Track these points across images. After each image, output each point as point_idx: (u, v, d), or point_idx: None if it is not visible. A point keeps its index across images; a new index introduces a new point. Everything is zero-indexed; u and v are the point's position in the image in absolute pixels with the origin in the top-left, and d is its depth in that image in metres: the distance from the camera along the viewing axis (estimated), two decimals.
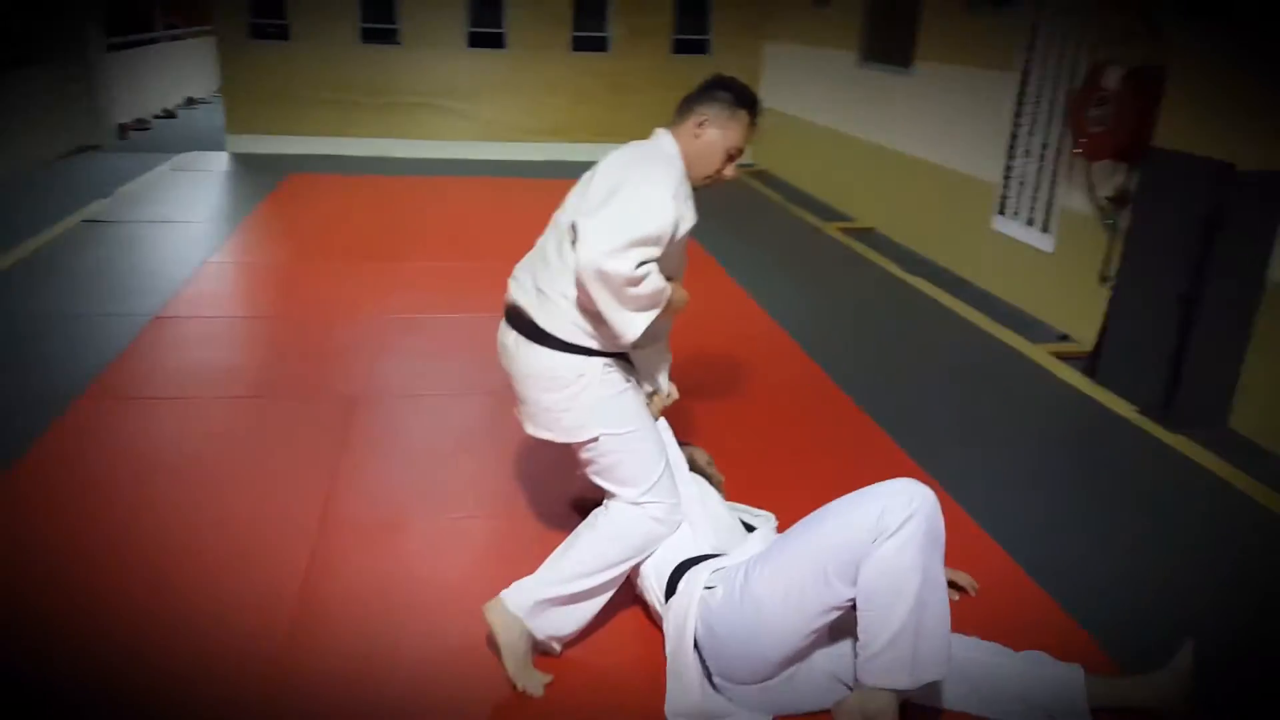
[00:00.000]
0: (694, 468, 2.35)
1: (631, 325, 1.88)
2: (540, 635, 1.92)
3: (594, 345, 1.96)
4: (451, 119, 8.67)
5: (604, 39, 8.80)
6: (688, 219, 1.97)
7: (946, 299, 4.76)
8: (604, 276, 1.79)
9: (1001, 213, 4.85)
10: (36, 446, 2.83)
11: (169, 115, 10.68)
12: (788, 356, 3.90)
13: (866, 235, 6.15)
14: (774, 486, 2.77)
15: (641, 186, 1.88)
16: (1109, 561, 2.51)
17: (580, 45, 8.79)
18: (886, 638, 1.65)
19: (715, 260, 5.29)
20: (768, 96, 8.51)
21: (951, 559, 1.88)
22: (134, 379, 3.39)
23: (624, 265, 1.79)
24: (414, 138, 8.60)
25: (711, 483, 2.36)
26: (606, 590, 1.99)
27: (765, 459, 2.99)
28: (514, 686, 1.88)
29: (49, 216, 5.55)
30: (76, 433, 2.95)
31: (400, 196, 6.77)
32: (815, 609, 1.72)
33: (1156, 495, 2.91)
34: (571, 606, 1.95)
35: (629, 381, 2.04)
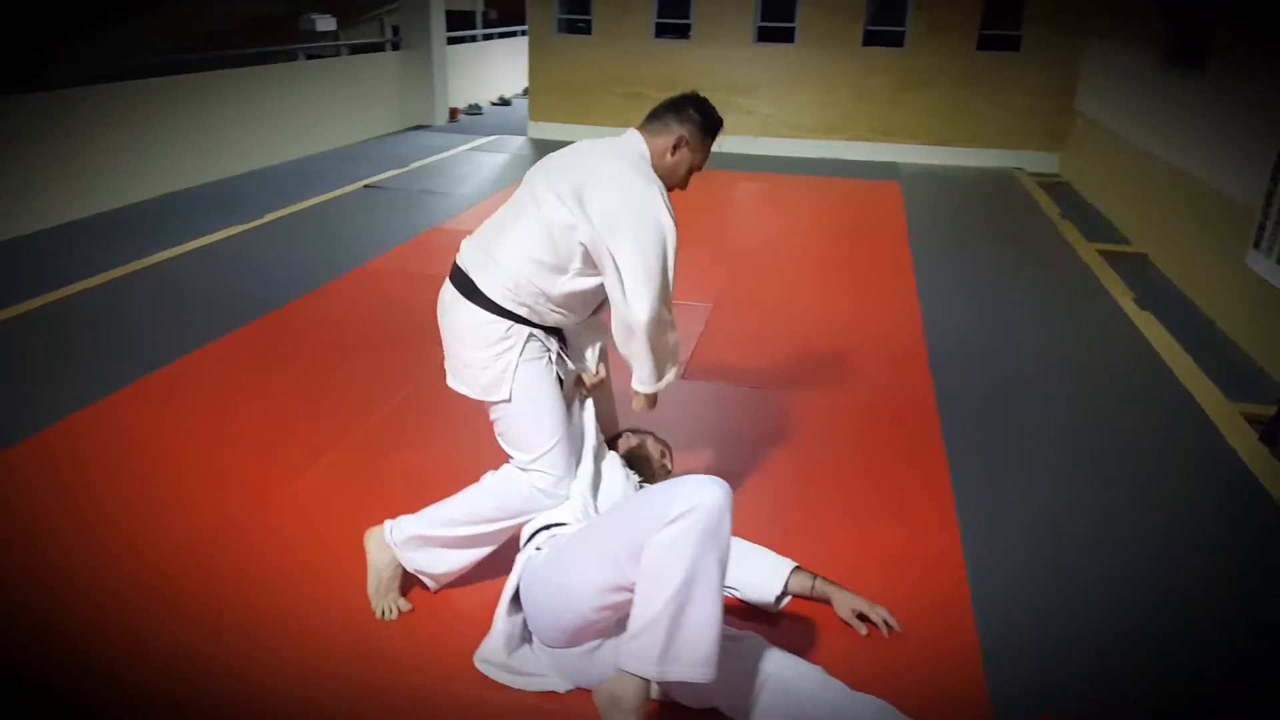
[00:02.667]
0: (638, 456, 2.43)
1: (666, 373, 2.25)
2: (409, 568, 2.16)
3: (523, 314, 2.13)
4: (732, 114, 8.92)
5: (900, 34, 8.54)
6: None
7: (1160, 340, 4.12)
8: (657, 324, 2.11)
9: (1256, 246, 4.08)
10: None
11: (504, 103, 12.18)
12: (901, 371, 3.68)
13: (1128, 261, 5.43)
14: (776, 497, 2.75)
15: (648, 229, 2.06)
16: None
17: (872, 40, 8.62)
18: (643, 623, 1.67)
19: (910, 260, 5.10)
20: (1082, 100, 7.75)
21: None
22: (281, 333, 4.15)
23: (655, 317, 2.09)
24: None
25: (653, 472, 2.42)
26: (481, 544, 2.17)
27: (790, 469, 2.93)
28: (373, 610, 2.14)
29: (345, 179, 6.77)
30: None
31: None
32: (604, 585, 1.77)
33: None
34: (442, 550, 2.15)
35: (547, 355, 2.18)
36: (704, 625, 1.67)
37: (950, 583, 2.36)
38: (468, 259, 2.20)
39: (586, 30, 9.16)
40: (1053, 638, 2.19)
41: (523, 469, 2.16)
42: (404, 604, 2.16)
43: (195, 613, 2.13)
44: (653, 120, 2.22)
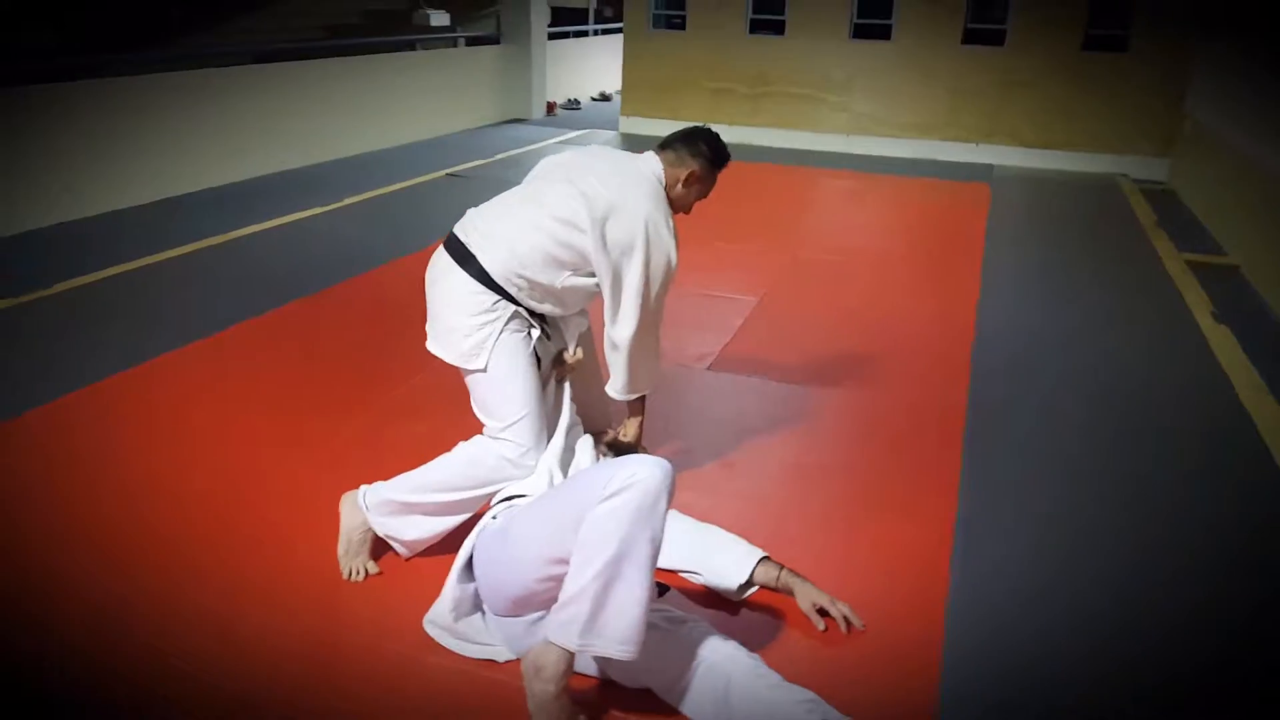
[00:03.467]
0: (619, 443, 2.48)
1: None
2: (380, 532, 2.26)
3: (511, 293, 2.22)
4: (823, 110, 8.85)
5: (1001, 32, 8.25)
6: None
7: (1230, 355, 3.88)
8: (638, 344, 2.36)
9: None
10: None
11: (604, 99, 12.34)
12: (939, 375, 3.59)
13: (1218, 273, 5.12)
14: (774, 489, 2.76)
15: (657, 264, 2.30)
16: None
17: (972, 38, 8.36)
18: (571, 594, 1.71)
19: (980, 265, 4.95)
20: (1193, 103, 7.33)
21: None
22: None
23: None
24: (782, 127, 8.95)
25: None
26: (451, 512, 2.25)
27: (795, 463, 2.91)
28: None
29: (430, 167, 7.03)
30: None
31: (746, 183, 7.17)
32: (545, 556, 1.82)
33: None
34: (412, 516, 2.25)
35: (527, 330, 2.27)
36: (630, 603, 1.70)
37: (930, 588, 2.31)
38: (469, 231, 2.29)
39: (681, 26, 9.21)
40: (1024, 655, 2.12)
41: (493, 437, 2.24)
42: (372, 567, 2.26)
43: (183, 561, 2.29)
44: (667, 149, 2.40)
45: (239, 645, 2.01)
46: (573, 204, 2.20)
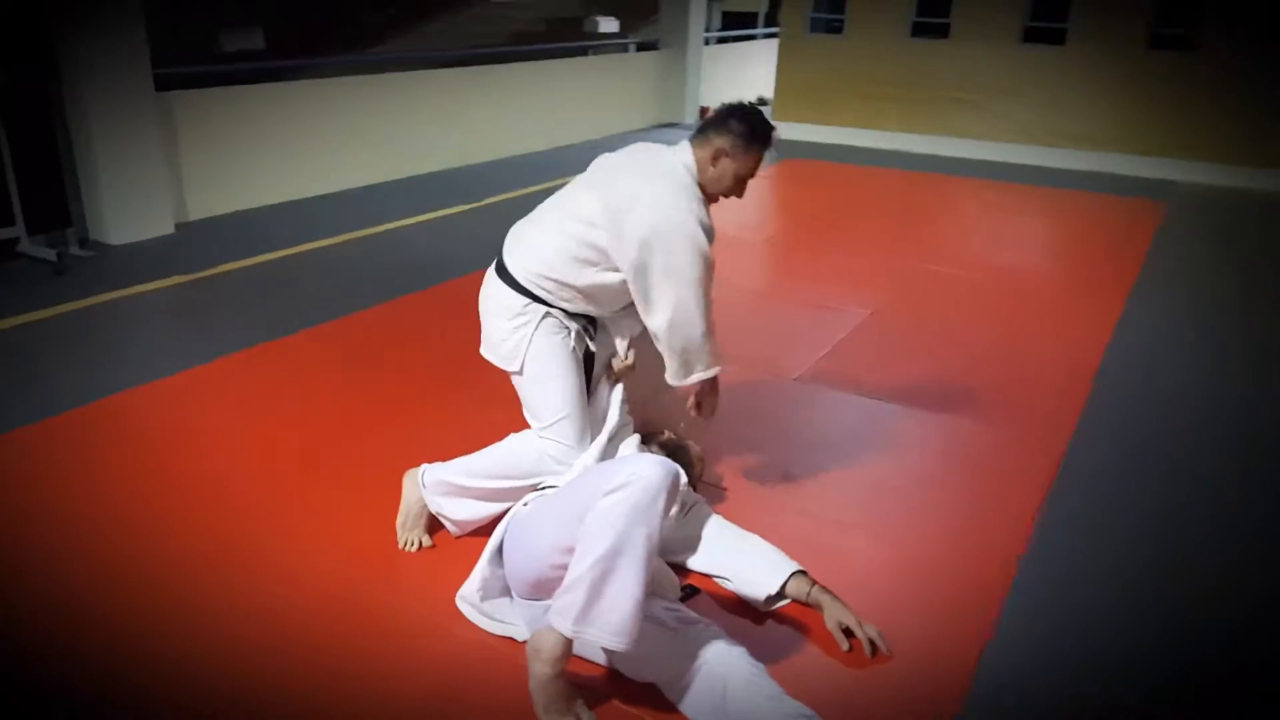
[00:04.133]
0: (675, 445, 2.52)
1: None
2: (432, 509, 2.40)
3: (541, 295, 2.31)
4: (986, 118, 8.49)
5: (1191, 36, 7.64)
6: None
7: None
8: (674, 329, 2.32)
9: None
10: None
11: (761, 103, 12.29)
12: (1048, 405, 3.40)
13: None
14: (840, 504, 2.72)
15: (676, 250, 2.25)
16: None
17: (1159, 43, 7.79)
18: (570, 581, 1.77)
19: (1129, 289, 4.65)
20: None
21: None
22: None
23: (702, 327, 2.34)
24: (940, 134, 8.65)
25: (688, 469, 2.50)
26: (498, 499, 2.35)
27: (868, 481, 2.85)
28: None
29: (572, 170, 7.25)
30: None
31: (891, 193, 7.04)
32: (558, 544, 1.89)
33: None
34: (463, 498, 2.37)
35: (565, 332, 2.33)
36: (623, 595, 1.75)
37: (973, 626, 2.21)
38: (508, 240, 2.43)
39: (839, 30, 9.07)
40: (1058, 703, 2.01)
41: (539, 435, 2.34)
42: (426, 540, 2.41)
43: (258, 508, 2.52)
44: (699, 134, 2.37)
45: (280, 598, 2.20)
46: (591, 203, 2.27)
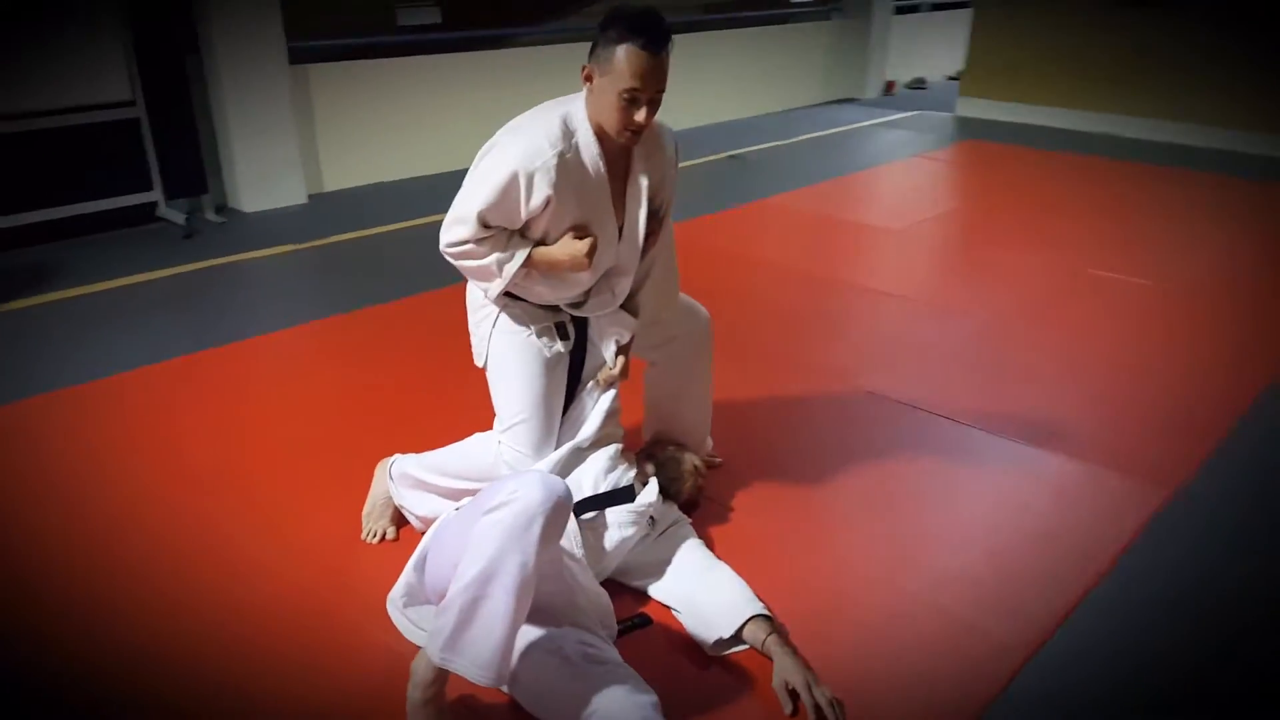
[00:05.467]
0: (669, 458, 2.34)
1: (486, 290, 2.12)
2: (396, 501, 2.34)
3: None
4: (1222, 99, 7.39)
5: None
6: (540, 191, 1.95)
7: None
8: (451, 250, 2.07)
9: None
10: None
11: (956, 79, 11.41)
12: (1171, 448, 2.89)
13: None
14: (878, 528, 2.44)
15: (484, 161, 2.01)
16: None
17: None
18: (445, 602, 1.66)
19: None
20: None
21: None
22: None
23: (442, 241, 2.05)
24: (1161, 118, 7.67)
25: (680, 477, 2.32)
26: (455, 498, 2.25)
27: (916, 511, 2.53)
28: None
29: (720, 148, 7.05)
30: None
31: (1083, 183, 6.33)
32: (453, 560, 1.79)
33: None
34: (424, 493, 2.30)
35: (526, 330, 2.17)
36: (492, 626, 1.61)
37: (978, 695, 1.89)
38: None
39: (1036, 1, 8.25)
40: None
41: (498, 438, 2.22)
42: (391, 533, 2.35)
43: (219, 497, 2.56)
44: None
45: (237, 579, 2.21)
46: None
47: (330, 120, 5.70)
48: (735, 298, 4.08)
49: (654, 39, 1.89)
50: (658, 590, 2.14)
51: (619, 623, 2.01)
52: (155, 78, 4.71)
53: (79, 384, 3.16)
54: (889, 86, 10.05)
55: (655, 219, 2.23)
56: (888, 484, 2.66)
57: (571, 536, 2.02)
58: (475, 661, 1.62)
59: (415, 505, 2.33)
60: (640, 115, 1.94)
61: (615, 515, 2.09)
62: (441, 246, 2.07)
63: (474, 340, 2.26)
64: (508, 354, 2.18)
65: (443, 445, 2.36)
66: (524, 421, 2.18)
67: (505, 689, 1.85)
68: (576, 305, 2.23)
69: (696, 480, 2.40)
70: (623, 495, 2.13)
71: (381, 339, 3.58)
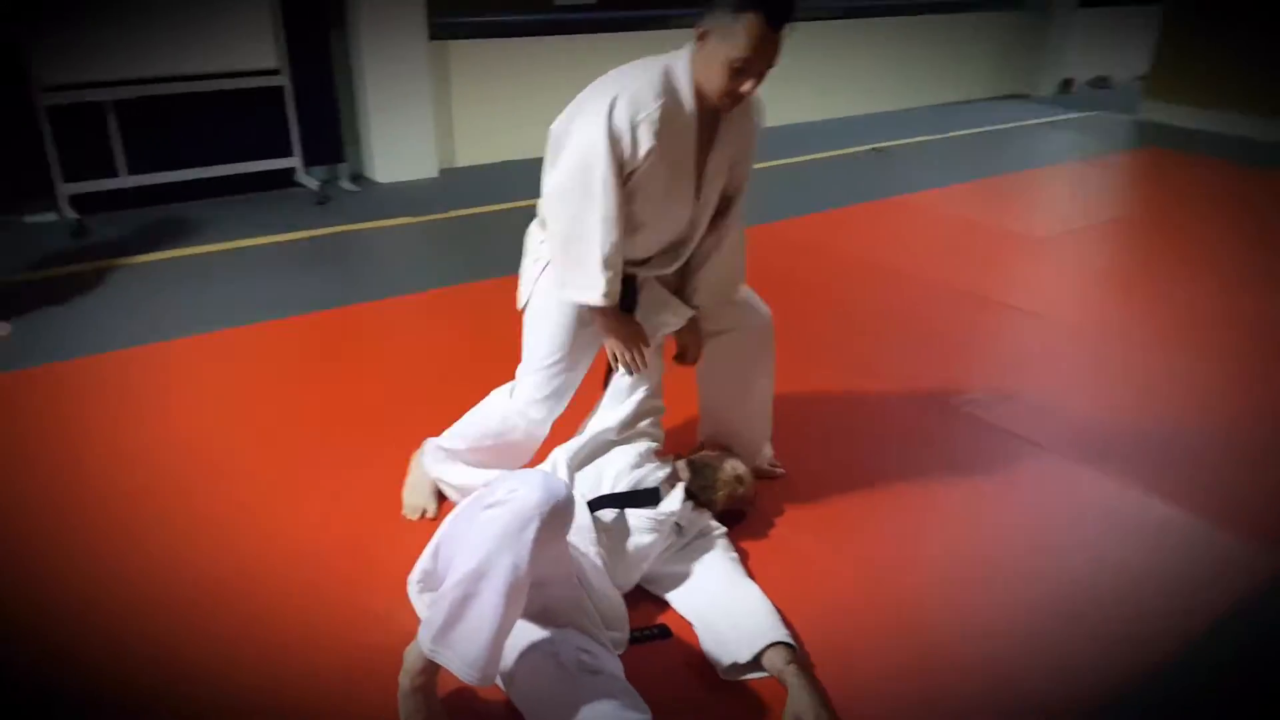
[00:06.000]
0: (705, 463, 2.23)
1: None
2: (430, 474, 2.33)
3: None
4: None
5: None
6: (644, 143, 1.90)
7: None
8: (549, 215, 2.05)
9: None
10: None
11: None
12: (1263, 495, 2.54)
13: None
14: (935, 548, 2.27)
15: (572, 148, 1.95)
16: None
17: None
18: (440, 593, 1.63)
19: None
20: None
21: None
22: None
23: (547, 185, 2.03)
24: None
25: (714, 484, 2.21)
26: (485, 464, 2.25)
27: (990, 535, 2.32)
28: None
29: (865, 140, 6.77)
30: None
31: None
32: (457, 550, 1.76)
33: None
34: (454, 463, 2.29)
35: None
36: (482, 625, 1.57)
37: None
38: None
39: None
40: None
41: (515, 383, 2.24)
42: (431, 509, 2.35)
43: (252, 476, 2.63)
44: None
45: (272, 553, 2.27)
46: None
47: (467, 96, 5.81)
48: (841, 298, 3.89)
49: (778, 13, 1.82)
50: (678, 603, 2.04)
51: (635, 631, 1.93)
52: (300, 49, 4.92)
53: (196, 334, 3.35)
54: (1067, 84, 9.38)
55: (728, 194, 2.16)
56: (961, 515, 2.45)
57: (585, 533, 1.95)
58: (463, 658, 1.58)
59: (450, 475, 2.31)
60: (746, 86, 1.90)
61: (634, 519, 2.01)
62: (546, 189, 2.03)
63: (521, 282, 2.22)
64: (548, 301, 2.14)
65: None
66: (542, 370, 2.16)
67: (502, 687, 1.81)
68: (636, 264, 2.15)
69: (736, 489, 2.26)
70: (646, 497, 2.05)
71: (491, 312, 3.54)
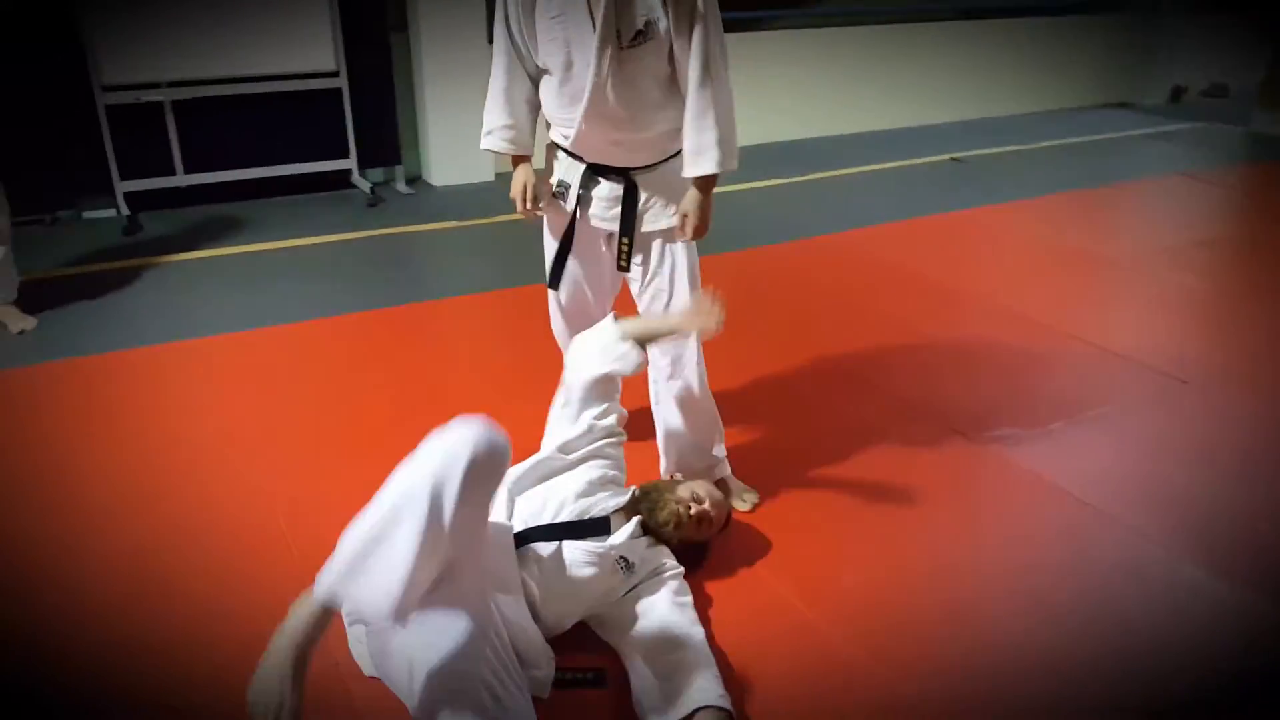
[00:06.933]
0: (654, 485, 2.08)
1: None
2: None
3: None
4: None
5: None
6: None
7: None
8: None
9: None
10: None
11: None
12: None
13: None
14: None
15: None
16: None
17: None
18: (346, 534, 1.45)
19: None
20: None
21: None
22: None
23: None
24: None
25: (659, 505, 2.04)
26: None
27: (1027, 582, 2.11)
28: None
29: (947, 148, 6.44)
30: None
31: None
32: None
33: None
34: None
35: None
36: (390, 567, 1.39)
37: None
38: None
39: None
40: None
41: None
42: None
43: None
44: None
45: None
46: None
47: None
48: (890, 317, 3.66)
49: None
50: (618, 644, 1.90)
51: (562, 672, 1.78)
52: (359, 51, 4.96)
53: (225, 333, 3.38)
54: (1179, 92, 8.76)
55: (648, 25, 1.98)
56: (972, 568, 2.23)
57: (505, 554, 1.80)
58: (373, 600, 1.41)
59: None
60: None
61: (571, 552, 1.86)
62: None
63: None
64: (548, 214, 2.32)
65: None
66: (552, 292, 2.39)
67: (375, 670, 1.70)
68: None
69: (684, 514, 2.01)
70: (591, 528, 1.90)
71: (535, 315, 3.46)
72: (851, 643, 1.95)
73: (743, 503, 2.38)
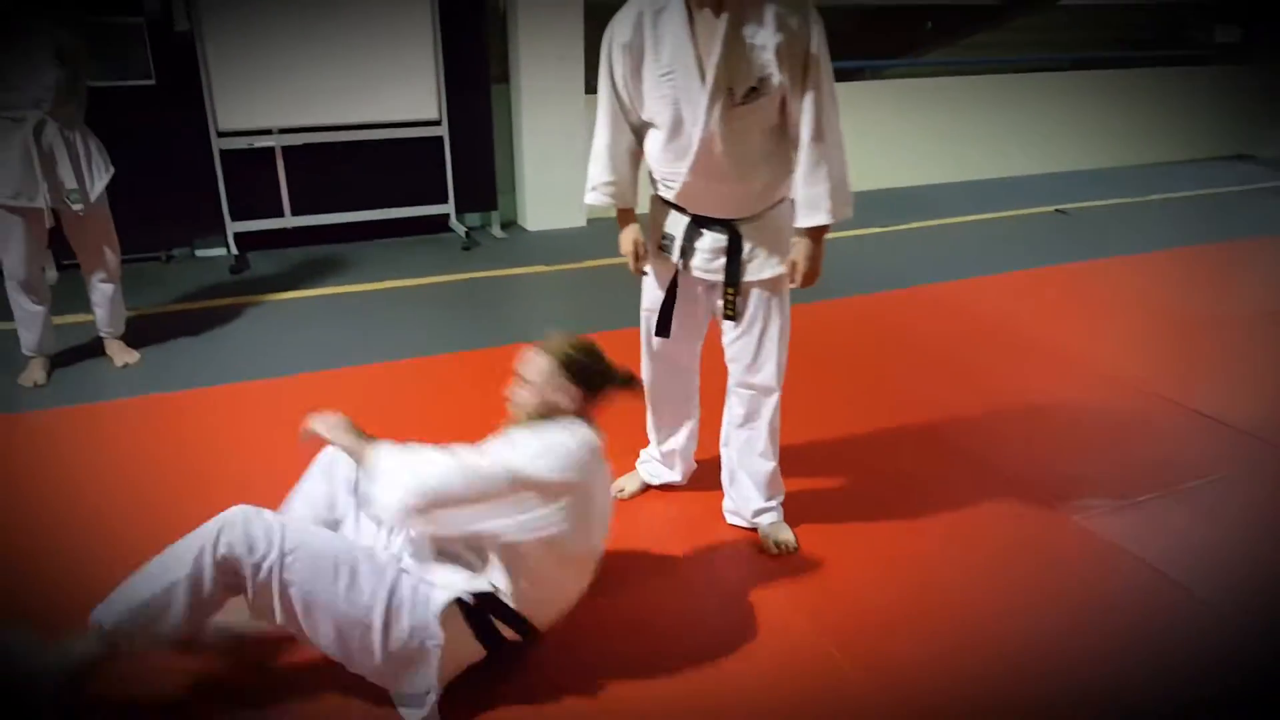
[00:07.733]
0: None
1: None
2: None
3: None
4: None
5: None
6: (621, 37, 2.06)
7: None
8: None
9: None
10: None
11: None
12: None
13: None
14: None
15: None
16: None
17: None
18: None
19: None
20: None
21: None
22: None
23: None
24: None
25: None
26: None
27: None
28: None
29: (1052, 200, 6.27)
30: None
31: None
32: None
33: None
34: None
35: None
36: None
37: None
38: None
39: None
40: None
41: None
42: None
43: None
44: None
45: None
46: None
47: None
48: (976, 373, 3.54)
49: None
50: None
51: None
52: (460, 102, 5.13)
53: (329, 369, 3.49)
54: None
55: (767, 83, 1.99)
56: (1050, 650, 2.11)
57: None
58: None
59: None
60: None
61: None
62: None
63: None
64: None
65: None
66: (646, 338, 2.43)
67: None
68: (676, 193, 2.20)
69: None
70: None
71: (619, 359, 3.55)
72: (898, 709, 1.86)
73: (776, 548, 2.36)
